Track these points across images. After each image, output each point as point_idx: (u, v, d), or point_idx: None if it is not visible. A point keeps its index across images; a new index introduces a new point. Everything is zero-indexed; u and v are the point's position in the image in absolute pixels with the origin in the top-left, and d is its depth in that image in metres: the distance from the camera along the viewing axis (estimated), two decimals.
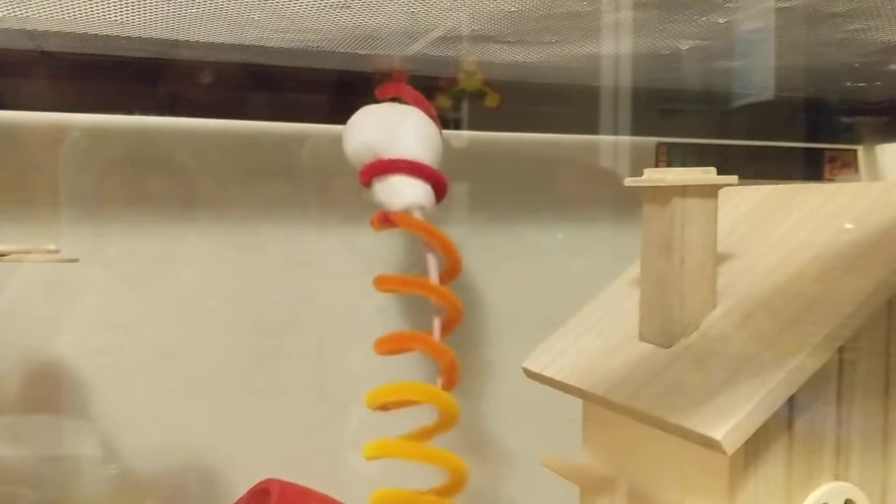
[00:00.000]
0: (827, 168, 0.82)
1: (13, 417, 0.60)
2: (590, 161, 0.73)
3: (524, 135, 0.73)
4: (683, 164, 0.77)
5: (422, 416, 0.58)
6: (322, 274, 0.67)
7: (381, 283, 0.57)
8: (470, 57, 0.59)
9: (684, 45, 0.50)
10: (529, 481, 0.71)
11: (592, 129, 0.68)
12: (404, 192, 0.54)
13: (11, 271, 0.59)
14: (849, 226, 0.42)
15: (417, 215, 0.55)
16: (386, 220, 0.55)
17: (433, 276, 0.56)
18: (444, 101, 0.64)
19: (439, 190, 0.56)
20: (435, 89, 0.63)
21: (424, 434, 0.56)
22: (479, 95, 0.64)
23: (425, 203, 0.55)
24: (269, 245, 0.66)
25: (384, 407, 0.56)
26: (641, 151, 0.75)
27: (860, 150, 0.82)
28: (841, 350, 0.37)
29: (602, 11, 0.43)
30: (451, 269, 0.57)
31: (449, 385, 0.56)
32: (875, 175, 0.82)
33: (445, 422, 0.56)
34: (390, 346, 0.57)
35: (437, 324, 0.56)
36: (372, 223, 0.57)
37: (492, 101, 0.64)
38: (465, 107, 0.66)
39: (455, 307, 0.56)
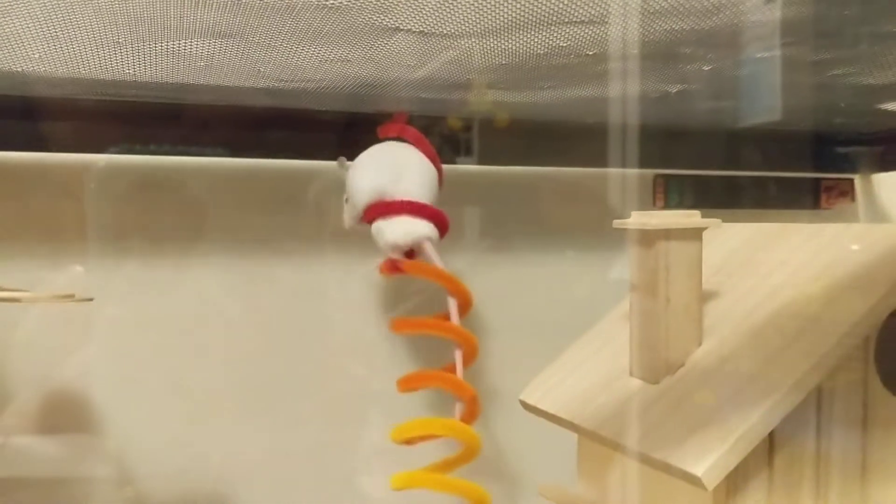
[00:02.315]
0: (824, 197, 0.83)
1: (29, 442, 0.62)
2: (590, 192, 0.74)
3: (528, 168, 0.74)
4: (681, 195, 0.78)
5: (436, 446, 0.60)
6: (330, 303, 0.69)
7: (398, 326, 0.60)
8: (473, 97, 0.60)
9: (673, 89, 0.52)
10: None
11: (591, 162, 0.70)
12: (412, 229, 0.57)
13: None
14: (854, 247, 0.43)
15: (427, 248, 0.57)
16: (394, 266, 0.58)
17: (454, 318, 0.58)
18: (455, 122, 0.66)
19: (441, 228, 0.58)
20: (436, 126, 0.65)
21: (446, 466, 0.58)
22: (488, 114, 0.66)
23: (432, 237, 0.57)
24: (277, 276, 0.68)
25: (409, 442, 0.58)
26: (641, 183, 0.76)
27: (857, 180, 0.83)
28: (820, 386, 0.38)
29: (589, 64, 0.45)
30: (463, 307, 0.59)
31: (470, 418, 0.58)
32: (872, 204, 0.84)
33: (467, 454, 0.58)
34: (413, 384, 0.59)
35: (459, 360, 0.58)
36: (381, 270, 0.59)
37: (501, 120, 0.66)
38: (474, 138, 0.68)
39: (471, 344, 0.59)
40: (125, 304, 0.64)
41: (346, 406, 0.69)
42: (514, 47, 0.42)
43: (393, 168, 0.57)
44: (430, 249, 0.57)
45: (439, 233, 0.59)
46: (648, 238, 0.42)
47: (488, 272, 0.73)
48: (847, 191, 0.84)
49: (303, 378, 0.68)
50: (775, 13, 0.40)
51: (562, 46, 0.41)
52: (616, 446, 0.41)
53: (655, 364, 0.43)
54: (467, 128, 0.67)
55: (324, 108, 0.62)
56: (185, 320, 0.66)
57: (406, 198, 0.57)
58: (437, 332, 0.59)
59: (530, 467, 0.72)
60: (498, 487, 0.73)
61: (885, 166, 0.81)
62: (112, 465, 0.64)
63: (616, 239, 0.73)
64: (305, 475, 0.68)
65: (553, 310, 0.74)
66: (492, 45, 0.42)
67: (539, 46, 0.41)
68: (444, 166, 0.62)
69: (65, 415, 0.63)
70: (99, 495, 0.64)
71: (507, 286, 0.74)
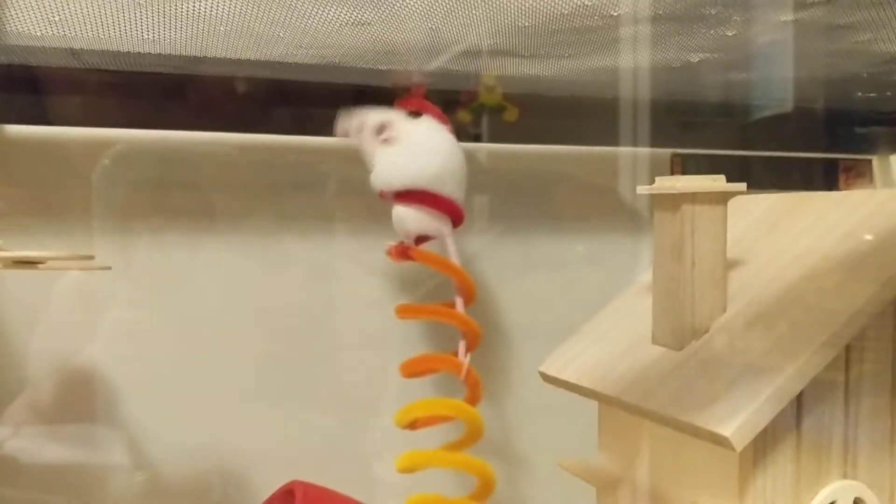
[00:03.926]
0: (842, 178, 0.82)
1: (43, 425, 0.62)
2: (605, 172, 0.74)
3: (541, 147, 0.74)
4: (697, 175, 0.78)
5: (442, 430, 0.60)
6: (342, 284, 0.69)
7: (403, 311, 0.60)
8: (487, 71, 0.60)
9: (695, 58, 0.52)
10: (546, 485, 0.72)
11: (608, 140, 0.70)
12: (428, 222, 0.58)
13: (44, 281, 0.61)
14: (868, 237, 0.43)
15: (447, 241, 0.59)
16: (403, 253, 0.59)
17: (459, 307, 0.60)
18: (465, 116, 0.66)
19: (456, 221, 0.60)
20: (453, 102, 0.65)
21: (453, 448, 0.59)
22: (498, 110, 0.66)
23: (446, 232, 0.59)
24: (290, 256, 0.68)
25: (413, 425, 0.58)
26: (657, 163, 0.76)
27: (875, 160, 0.83)
28: (847, 350, 0.38)
29: (612, 26, 0.44)
30: (466, 298, 0.61)
31: (473, 400, 0.59)
32: (889, 184, 0.83)
33: (472, 435, 0.59)
34: (415, 368, 0.60)
35: (462, 346, 0.60)
36: (390, 255, 0.60)
37: (511, 115, 0.66)
38: (483, 120, 0.68)
39: (474, 331, 0.60)
40: (137, 286, 0.64)
41: (359, 390, 0.69)
42: (538, 6, 0.41)
43: (438, 166, 0.58)
44: (449, 242, 0.59)
45: (453, 225, 0.60)
46: (674, 202, 0.42)
47: (500, 254, 0.73)
48: (865, 172, 0.83)
49: (316, 361, 0.68)
50: None
51: (587, 6, 0.41)
52: (640, 411, 0.41)
53: (680, 330, 0.42)
54: (478, 116, 0.67)
55: (342, 82, 0.62)
56: (198, 303, 0.65)
57: (432, 189, 0.57)
58: (439, 318, 0.61)
59: (542, 449, 0.72)
60: (515, 466, 0.73)
61: None
62: (125, 449, 0.64)
63: (633, 220, 0.73)
64: (318, 458, 0.68)
65: (568, 293, 0.73)
66: (516, 3, 0.41)
67: (564, 5, 0.41)
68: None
69: (78, 397, 0.63)
70: (112, 479, 0.64)
71: (520, 269, 0.74)
